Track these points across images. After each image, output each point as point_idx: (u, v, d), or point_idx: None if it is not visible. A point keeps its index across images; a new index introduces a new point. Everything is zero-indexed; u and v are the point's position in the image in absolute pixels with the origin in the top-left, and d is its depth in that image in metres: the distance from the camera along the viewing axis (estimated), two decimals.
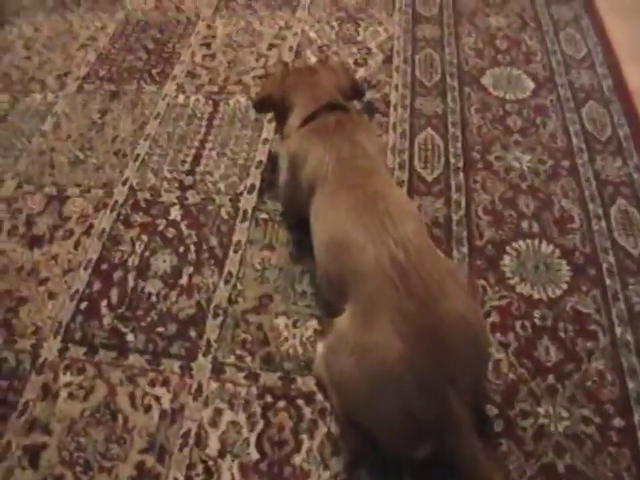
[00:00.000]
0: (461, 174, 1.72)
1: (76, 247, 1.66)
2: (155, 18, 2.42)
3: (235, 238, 1.62)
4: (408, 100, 1.95)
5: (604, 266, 1.51)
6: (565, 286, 1.48)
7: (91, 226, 1.70)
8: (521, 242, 1.56)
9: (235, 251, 1.59)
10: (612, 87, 1.96)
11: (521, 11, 2.28)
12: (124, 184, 1.80)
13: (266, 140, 1.86)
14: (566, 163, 1.74)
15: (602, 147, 1.78)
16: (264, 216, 1.66)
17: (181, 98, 2.04)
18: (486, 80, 2.00)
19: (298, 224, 1.49)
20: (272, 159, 1.79)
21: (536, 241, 1.56)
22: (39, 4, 2.60)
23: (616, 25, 2.21)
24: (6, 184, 1.86)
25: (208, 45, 2.24)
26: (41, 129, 2.02)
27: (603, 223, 1.60)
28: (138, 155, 1.88)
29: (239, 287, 1.52)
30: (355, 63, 2.09)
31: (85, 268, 1.61)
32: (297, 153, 1.44)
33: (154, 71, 2.16)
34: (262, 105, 1.63)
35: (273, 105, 1.58)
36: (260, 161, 1.81)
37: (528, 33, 2.18)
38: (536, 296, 1.46)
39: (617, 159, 1.75)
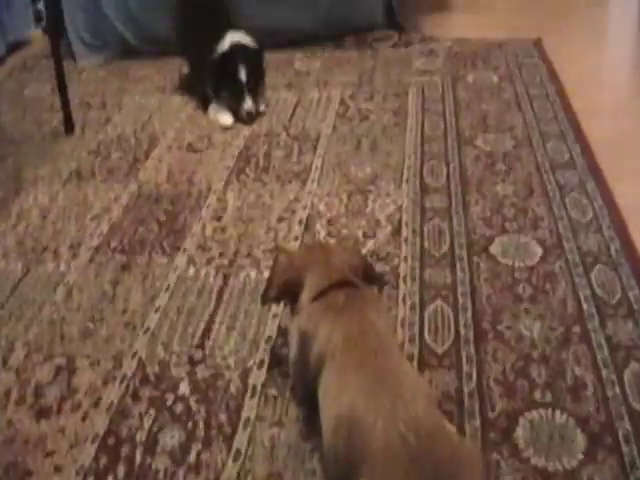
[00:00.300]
0: (472, 345, 1.77)
1: (84, 420, 1.69)
2: (167, 190, 2.57)
3: (244, 414, 1.65)
4: (417, 271, 2.04)
5: (620, 433, 1.53)
6: (581, 456, 1.49)
7: (99, 399, 1.74)
8: (534, 412, 1.59)
9: (244, 427, 1.62)
10: (620, 250, 2.05)
11: (527, 178, 2.41)
12: (133, 357, 1.85)
13: (275, 315, 1.93)
14: (577, 329, 1.80)
15: (613, 311, 1.84)
16: (274, 392, 1.70)
17: (191, 271, 2.14)
18: (495, 248, 2.10)
19: (309, 400, 1.53)
20: (283, 334, 1.85)
21: (549, 411, 1.59)
22: (55, 173, 2.77)
23: (621, 189, 2.33)
24: (15, 353, 1.92)
25: (219, 218, 2.37)
26: (52, 299, 2.10)
27: (617, 389, 1.63)
28: (148, 328, 1.94)
29: (247, 465, 1.54)
30: (364, 235, 2.21)
31: (92, 442, 1.63)
32: (306, 330, 1.50)
33: (165, 243, 2.28)
34: (281, 294, 1.65)
35: (286, 289, 1.63)
36: (270, 336, 1.87)
37: (535, 199, 2.30)
38: (551, 468, 1.47)
39: (628, 322, 1.81)
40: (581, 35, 3.64)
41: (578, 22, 3.84)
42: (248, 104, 2.95)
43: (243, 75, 2.93)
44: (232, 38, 2.98)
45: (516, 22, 3.96)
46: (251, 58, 2.99)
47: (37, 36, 4.28)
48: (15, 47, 4.16)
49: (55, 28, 3.22)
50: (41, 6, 4.33)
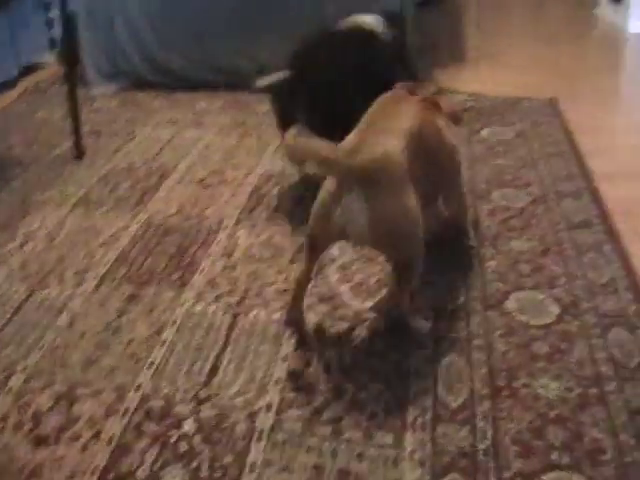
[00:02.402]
0: (486, 402, 1.75)
1: (83, 451, 1.65)
2: (177, 223, 2.56)
3: (250, 458, 1.61)
4: (431, 323, 2.03)
5: None
6: None
7: (100, 431, 1.70)
8: (551, 474, 1.55)
9: (250, 471, 1.58)
10: (638, 313, 2.04)
11: (543, 235, 2.40)
12: (137, 390, 1.82)
13: (285, 358, 1.91)
14: (594, 391, 1.77)
15: (630, 374, 1.82)
16: (282, 437, 1.66)
17: (199, 307, 2.11)
18: (510, 304, 2.08)
19: None
20: (292, 377, 1.83)
21: (567, 473, 1.55)
22: (64, 198, 2.77)
23: (638, 251, 2.33)
24: (15, 377, 1.88)
25: (229, 255, 2.35)
26: (55, 324, 2.07)
27: (636, 454, 1.59)
28: (153, 362, 1.91)
29: None
30: (377, 282, 2.19)
31: (91, 475, 1.59)
32: None
33: (173, 277, 2.26)
34: None
35: None
36: (279, 378, 1.84)
37: (551, 257, 2.29)
38: None
39: None
40: (596, 97, 3.67)
41: (593, 84, 3.87)
42: None
43: None
44: None
45: (531, 80, 4.01)
46: None
47: (50, 61, 4.31)
48: (28, 70, 4.19)
49: (70, 54, 3.23)
50: (56, 32, 4.38)
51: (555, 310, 2.06)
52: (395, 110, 2.04)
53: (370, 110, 2.06)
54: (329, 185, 1.80)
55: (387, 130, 1.90)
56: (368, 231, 1.76)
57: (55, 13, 4.34)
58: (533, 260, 2.28)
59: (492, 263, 2.27)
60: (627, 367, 1.84)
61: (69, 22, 3.93)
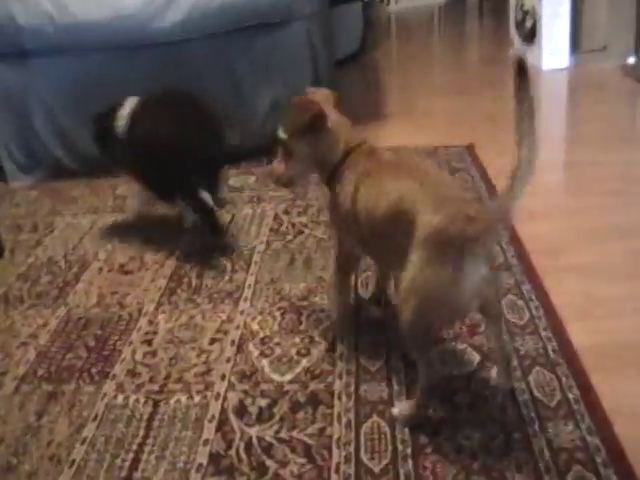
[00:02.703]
0: (410, 461, 1.74)
1: None
2: (97, 314, 2.52)
3: None
4: (352, 387, 2.02)
5: None
6: None
7: None
8: None
9: None
10: (557, 349, 2.07)
11: None
12: None
13: (207, 441, 1.88)
14: (518, 435, 1.78)
15: (552, 413, 1.83)
16: None
17: (120, 398, 2.08)
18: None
19: None
20: (214, 461, 1.79)
21: None
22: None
23: (557, 288, 2.36)
24: None
25: (149, 342, 2.33)
26: None
27: None
28: (74, 461, 1.87)
29: None
30: (298, 354, 2.19)
31: None
32: None
33: (93, 370, 2.22)
34: None
35: None
36: (200, 464, 1.81)
37: None
38: None
39: (569, 424, 1.80)
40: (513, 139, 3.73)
41: (511, 126, 3.93)
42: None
43: None
44: None
45: (450, 128, 4.09)
46: None
47: None
48: None
49: None
50: None
51: (476, 358, 2.07)
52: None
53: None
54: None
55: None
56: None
57: None
58: None
59: None
60: (549, 406, 1.86)
61: None
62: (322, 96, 2.04)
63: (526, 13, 5.20)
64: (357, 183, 1.88)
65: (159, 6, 3.58)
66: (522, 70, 1.56)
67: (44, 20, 3.65)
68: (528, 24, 5.18)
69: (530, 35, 5.16)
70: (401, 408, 1.88)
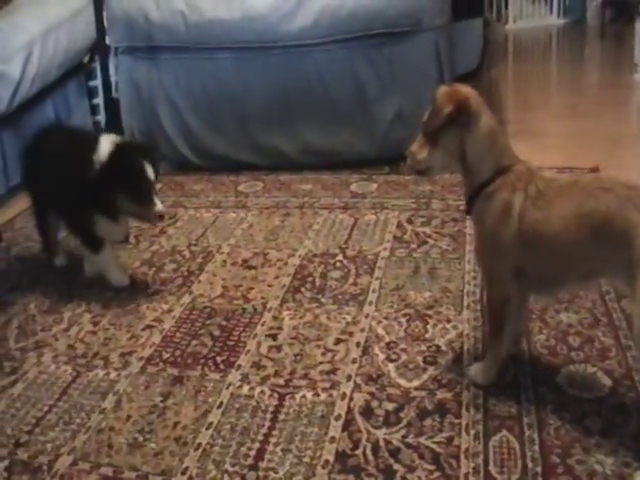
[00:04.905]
0: (540, 479, 1.73)
1: None
2: (221, 305, 2.61)
3: None
4: (481, 400, 2.02)
5: None
6: None
7: None
8: None
9: None
10: None
11: (592, 307, 2.39)
12: (183, 473, 1.84)
13: (333, 439, 1.92)
14: None
15: None
16: None
17: (245, 389, 2.14)
18: (561, 379, 2.07)
19: None
20: (340, 459, 1.82)
21: None
22: (107, 284, 2.83)
23: None
24: (61, 459, 1.92)
25: (274, 336, 2.39)
26: (101, 406, 2.12)
27: None
28: (200, 444, 1.94)
29: None
30: (424, 361, 2.20)
31: None
32: None
33: (219, 359, 2.29)
34: None
35: None
36: (327, 461, 1.85)
37: (601, 329, 2.28)
38: None
39: None
40: (638, 163, 3.68)
41: (635, 151, 3.88)
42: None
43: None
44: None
45: (572, 150, 4.03)
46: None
47: None
48: None
49: None
50: (100, 117, 4.55)
51: (608, 383, 2.04)
52: None
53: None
54: None
55: None
56: None
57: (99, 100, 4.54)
58: (583, 332, 2.27)
59: (540, 337, 2.26)
60: None
61: (113, 108, 4.13)
62: (474, 94, 1.90)
63: None
64: (523, 207, 1.82)
65: (289, 9, 3.68)
66: None
67: (176, 17, 3.80)
68: None
69: None
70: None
